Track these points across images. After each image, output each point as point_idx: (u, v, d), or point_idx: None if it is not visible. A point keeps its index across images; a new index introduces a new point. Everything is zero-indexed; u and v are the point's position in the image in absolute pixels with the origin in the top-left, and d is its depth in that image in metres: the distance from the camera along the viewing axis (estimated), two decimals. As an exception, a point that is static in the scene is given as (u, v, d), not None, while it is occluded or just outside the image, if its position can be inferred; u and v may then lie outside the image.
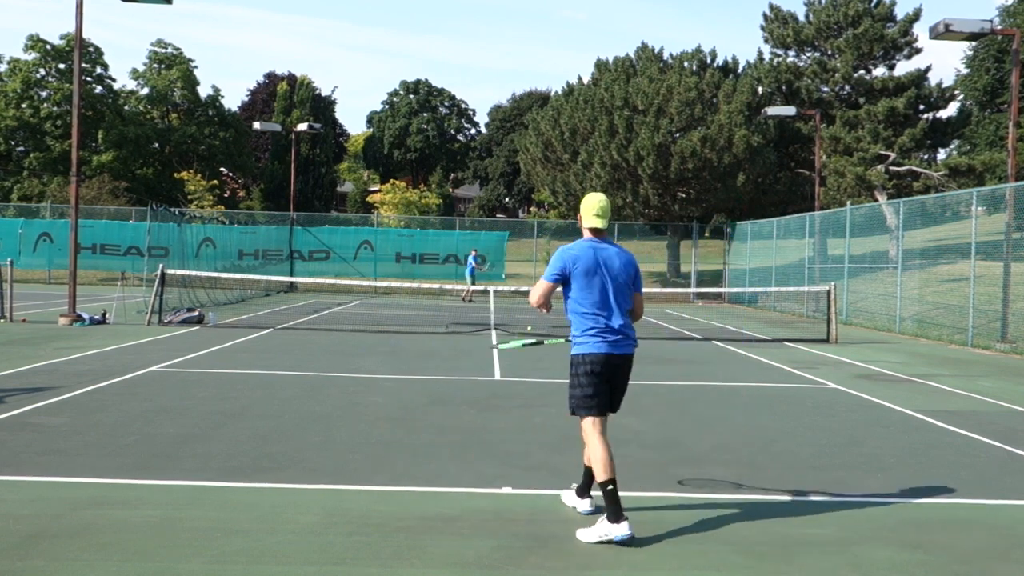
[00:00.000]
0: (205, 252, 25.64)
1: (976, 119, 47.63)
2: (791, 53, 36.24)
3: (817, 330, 18.12)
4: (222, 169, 60.95)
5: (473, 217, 65.72)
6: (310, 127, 35.35)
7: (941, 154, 40.96)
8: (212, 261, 25.30)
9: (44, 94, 52.52)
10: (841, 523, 5.00)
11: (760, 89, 35.04)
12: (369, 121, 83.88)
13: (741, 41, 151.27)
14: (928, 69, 33.83)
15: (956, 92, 38.08)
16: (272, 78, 71.62)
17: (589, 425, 4.75)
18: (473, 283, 29.05)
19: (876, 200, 29.28)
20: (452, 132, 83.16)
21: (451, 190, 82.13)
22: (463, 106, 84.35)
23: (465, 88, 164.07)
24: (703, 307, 29.76)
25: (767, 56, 37.21)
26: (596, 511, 4.98)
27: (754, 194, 34.69)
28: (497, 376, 10.68)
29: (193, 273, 20.28)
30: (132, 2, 16.18)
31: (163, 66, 57.68)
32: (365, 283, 29.02)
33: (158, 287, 16.78)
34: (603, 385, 4.75)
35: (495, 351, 11.69)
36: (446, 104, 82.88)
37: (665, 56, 37.37)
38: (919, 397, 9.87)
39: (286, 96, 63.10)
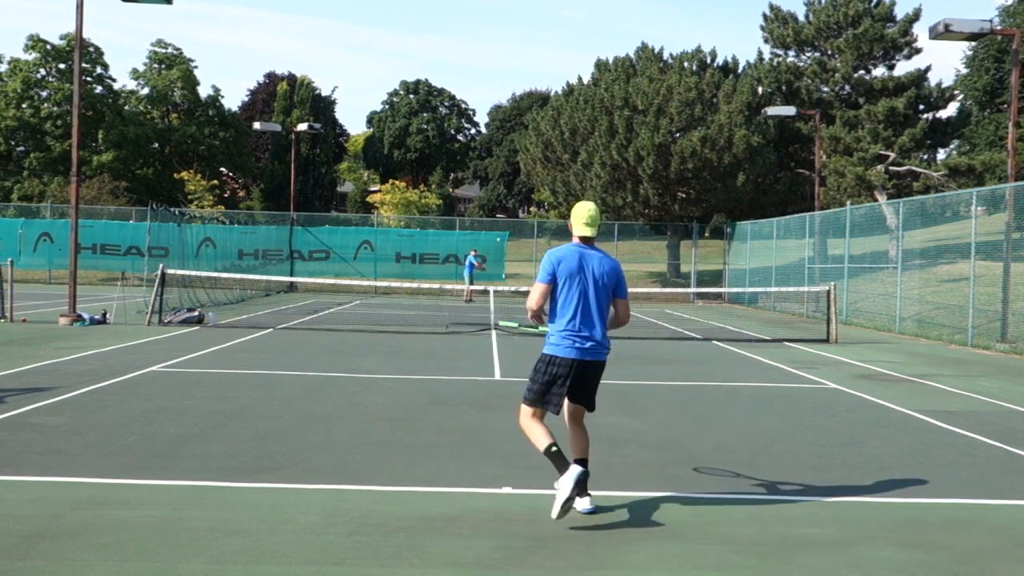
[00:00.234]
0: (205, 252, 25.63)
1: (976, 119, 47.64)
2: (791, 53, 36.25)
3: (817, 330, 18.12)
4: (222, 169, 60.95)
5: (473, 217, 65.72)
6: (310, 127, 35.36)
7: (941, 154, 40.99)
8: (212, 261, 25.30)
9: (44, 94, 52.53)
10: (841, 523, 5.00)
11: (760, 89, 35.05)
12: (369, 121, 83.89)
13: (741, 41, 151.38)
14: (928, 69, 33.84)
15: (956, 92, 38.08)
16: (272, 78, 71.62)
17: (528, 412, 5.01)
18: (471, 283, 29.04)
19: (876, 200, 29.28)
20: (452, 132, 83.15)
21: (451, 190, 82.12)
22: (463, 106, 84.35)
23: (465, 88, 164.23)
24: (703, 307, 29.76)
25: (767, 56, 37.25)
26: (596, 510, 5.01)
27: (754, 194, 34.69)
28: (497, 376, 10.68)
29: (193, 273, 20.28)
30: (132, 2, 16.15)
31: (163, 66, 57.69)
32: (365, 283, 29.02)
33: (158, 287, 16.78)
34: (560, 388, 4.93)
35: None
36: (446, 104, 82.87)
37: (665, 56, 37.38)
38: (919, 397, 9.87)
39: (286, 96, 63.10)
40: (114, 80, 56.23)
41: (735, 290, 27.84)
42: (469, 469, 5.99)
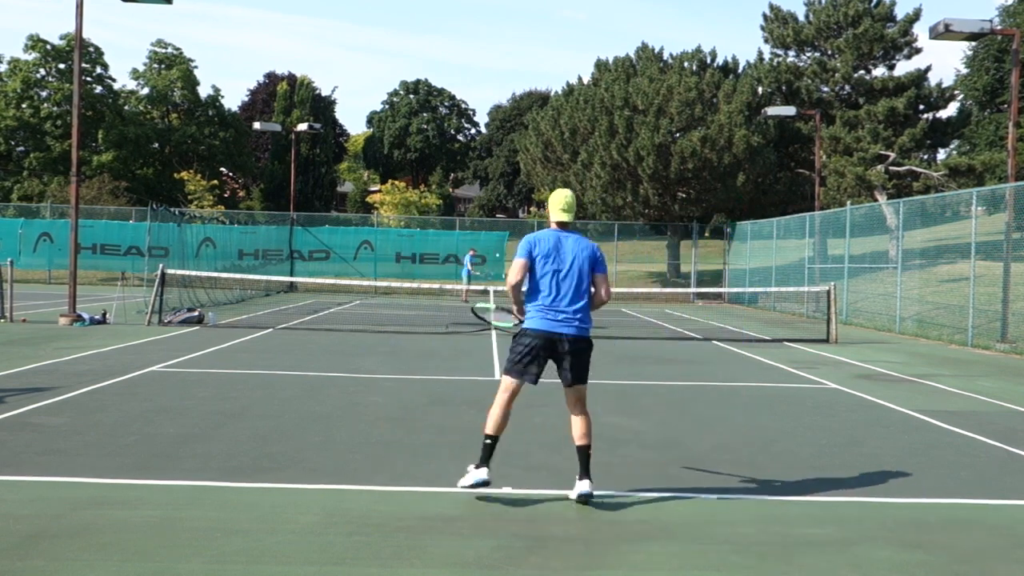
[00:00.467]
0: (205, 252, 25.63)
1: (976, 119, 47.63)
2: (791, 53, 36.25)
3: (817, 330, 18.12)
4: (222, 169, 60.95)
5: (473, 217, 65.71)
6: (310, 127, 35.36)
7: (941, 154, 40.99)
8: (212, 261, 25.30)
9: (44, 94, 52.53)
10: (841, 523, 5.00)
11: (760, 89, 35.05)
12: (369, 121, 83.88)
13: (741, 41, 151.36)
14: (928, 69, 33.84)
15: (956, 92, 38.09)
16: (272, 78, 71.61)
17: (504, 384, 5.27)
18: (469, 283, 29.03)
19: (876, 200, 29.28)
20: (452, 132, 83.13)
21: (451, 190, 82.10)
22: (463, 106, 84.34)
23: (465, 88, 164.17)
24: (703, 307, 29.76)
25: (767, 56, 37.25)
26: (590, 496, 5.16)
27: (754, 194, 34.69)
28: (497, 376, 10.67)
29: (193, 273, 20.28)
30: (132, 2, 16.18)
31: (163, 66, 57.69)
32: (365, 283, 29.02)
33: (158, 287, 16.78)
34: (536, 359, 5.20)
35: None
36: (446, 104, 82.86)
37: (665, 56, 37.38)
38: (919, 397, 9.87)
39: (286, 96, 63.10)
40: (114, 80, 56.33)
41: (735, 290, 27.85)
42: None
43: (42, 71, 52.77)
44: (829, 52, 34.80)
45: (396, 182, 53.82)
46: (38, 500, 4.99)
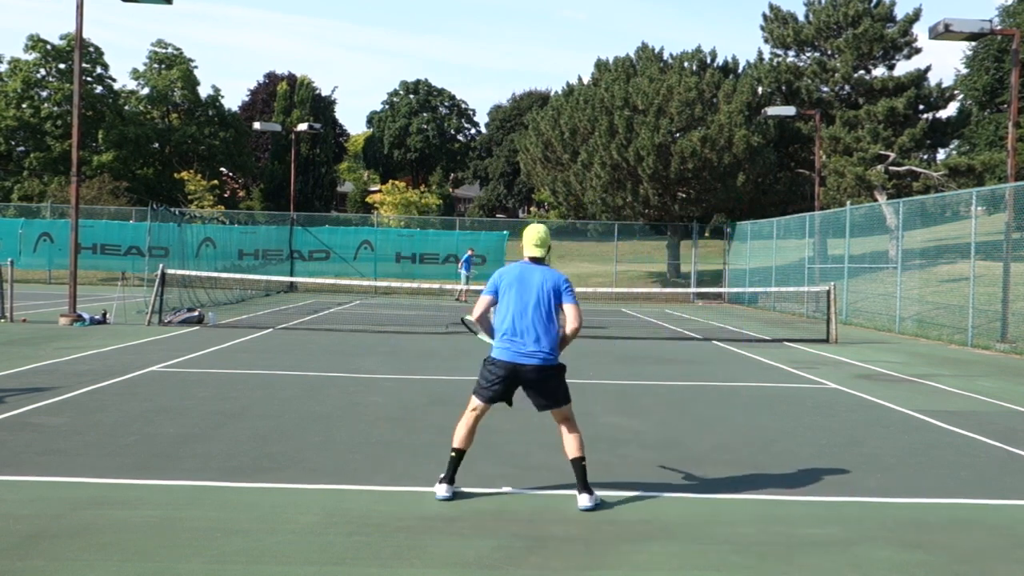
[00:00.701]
0: (205, 252, 25.63)
1: (976, 119, 47.62)
2: (791, 53, 36.24)
3: (817, 330, 18.12)
4: (222, 169, 60.93)
5: (473, 217, 65.71)
6: (310, 127, 35.35)
7: (941, 154, 40.98)
8: (212, 261, 25.29)
9: (44, 94, 52.52)
10: (841, 523, 5.00)
11: (760, 89, 35.04)
12: (369, 121, 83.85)
13: (741, 41, 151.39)
14: (928, 69, 33.83)
15: (956, 92, 38.07)
16: (272, 78, 71.60)
17: (472, 403, 5.39)
18: (468, 283, 29.01)
19: (876, 200, 29.28)
20: (452, 132, 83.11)
21: (451, 190, 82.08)
22: (463, 106, 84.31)
23: (465, 88, 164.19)
24: (703, 307, 29.76)
25: (767, 56, 37.24)
26: (597, 506, 5.11)
27: (754, 194, 34.69)
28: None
29: (193, 273, 20.28)
30: (132, 2, 16.16)
31: (163, 66, 57.68)
32: (365, 283, 29.01)
33: (158, 287, 16.78)
34: (499, 386, 5.30)
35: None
36: (446, 104, 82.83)
37: (665, 56, 37.37)
38: (919, 397, 9.87)
39: (286, 96, 63.08)
40: (114, 80, 56.29)
41: (735, 290, 27.84)
42: (469, 469, 5.97)
43: (42, 71, 52.76)
44: (829, 52, 34.80)
45: (396, 182, 53.82)
46: (38, 500, 5.00)
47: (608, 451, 6.64)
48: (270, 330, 16.19)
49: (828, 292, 16.93)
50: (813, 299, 24.25)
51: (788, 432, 7.71)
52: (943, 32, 15.99)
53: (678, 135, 33.86)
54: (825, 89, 34.95)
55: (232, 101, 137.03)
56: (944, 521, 5.12)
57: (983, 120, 51.44)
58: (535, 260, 5.43)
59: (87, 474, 5.59)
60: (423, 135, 79.40)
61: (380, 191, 55.08)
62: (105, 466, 5.81)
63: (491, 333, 5.45)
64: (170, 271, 17.96)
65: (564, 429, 5.33)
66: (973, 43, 50.32)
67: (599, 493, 5.32)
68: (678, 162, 32.87)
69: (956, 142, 44.06)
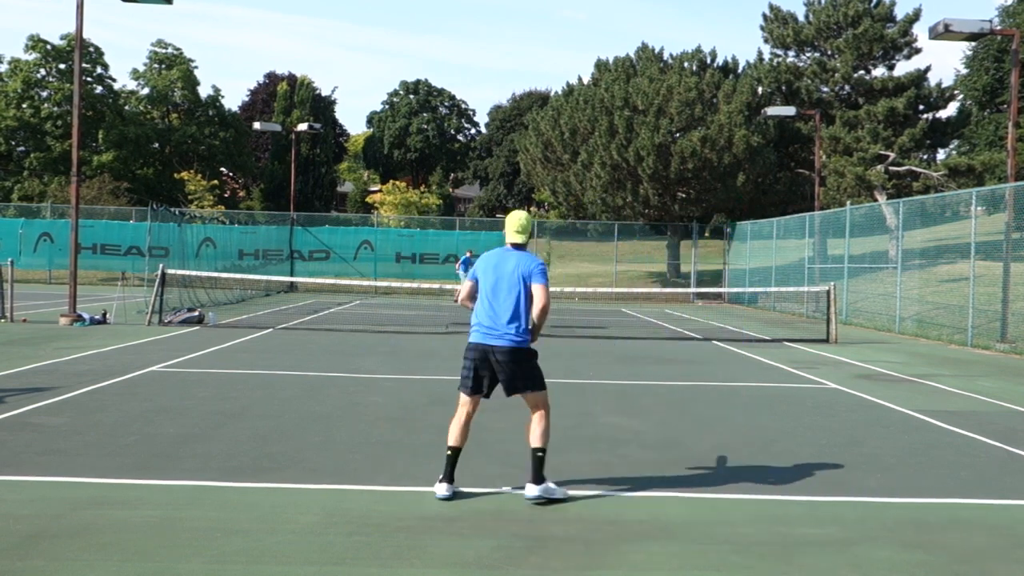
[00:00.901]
0: (205, 252, 25.64)
1: (976, 119, 47.61)
2: (791, 53, 36.24)
3: (817, 330, 18.12)
4: (222, 169, 60.93)
5: (473, 217, 65.72)
6: (310, 127, 35.35)
7: (941, 154, 40.97)
8: (212, 261, 25.30)
9: (44, 94, 52.52)
10: (841, 523, 5.00)
11: (760, 89, 35.04)
12: (369, 121, 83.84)
13: (741, 41, 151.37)
14: (928, 69, 33.83)
15: (956, 92, 38.07)
16: (272, 78, 71.59)
17: (460, 400, 5.49)
18: None
19: (876, 200, 29.28)
20: (452, 132, 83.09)
21: (451, 190, 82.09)
22: (463, 106, 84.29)
23: (465, 88, 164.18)
24: (703, 307, 29.76)
25: (767, 56, 37.25)
26: (542, 499, 5.18)
27: (754, 194, 34.69)
28: (497, 376, 10.67)
29: (193, 273, 20.28)
30: (132, 2, 16.16)
31: (163, 66, 57.68)
32: (365, 283, 29.02)
33: (158, 287, 16.78)
34: (474, 371, 5.41)
35: None
36: (446, 104, 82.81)
37: (665, 56, 37.37)
38: (919, 397, 9.87)
39: (286, 96, 63.08)
40: (114, 80, 56.27)
41: (735, 290, 27.84)
42: (468, 469, 5.98)
43: (42, 71, 52.75)
44: (829, 52, 34.80)
45: (396, 182, 53.82)
46: (38, 500, 4.99)
47: (608, 451, 6.65)
48: (270, 330, 16.19)
49: (828, 292, 16.93)
50: (813, 299, 24.25)
51: (788, 432, 7.71)
52: (943, 32, 15.99)
53: (678, 135, 33.86)
54: (825, 89, 34.95)
55: (232, 101, 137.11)
56: (944, 521, 5.12)
57: (983, 120, 51.43)
58: (516, 246, 5.53)
59: (87, 474, 5.59)
60: (423, 135, 79.38)
61: (380, 191, 55.09)
62: (105, 466, 5.81)
63: None
64: (170, 271, 17.96)
65: (535, 417, 5.40)
66: (973, 43, 50.30)
67: (599, 493, 5.32)
68: (678, 162, 32.87)
69: (956, 142, 44.05)
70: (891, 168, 31.12)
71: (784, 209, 33.69)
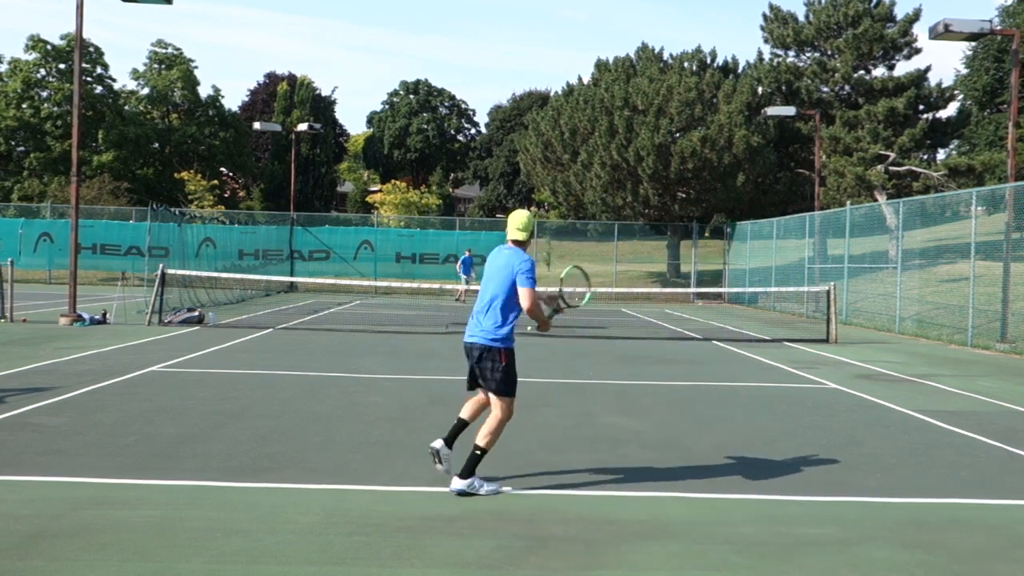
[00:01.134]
0: (205, 252, 25.63)
1: (975, 119, 47.61)
2: (791, 53, 36.24)
3: (817, 330, 18.12)
4: (222, 169, 60.92)
5: (473, 217, 65.72)
6: (310, 127, 35.34)
7: (941, 154, 40.98)
8: (212, 261, 25.29)
9: (44, 94, 52.51)
10: (841, 523, 5.00)
11: (760, 89, 35.03)
12: (369, 121, 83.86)
13: (741, 41, 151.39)
14: (928, 69, 33.83)
15: (956, 92, 38.06)
16: (272, 78, 71.59)
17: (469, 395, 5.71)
18: (467, 283, 29.01)
19: (876, 200, 29.27)
20: (452, 132, 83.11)
21: (451, 190, 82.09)
22: (463, 106, 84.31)
23: (465, 88, 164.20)
24: (703, 307, 29.76)
25: (767, 56, 37.24)
26: (464, 492, 5.36)
27: (754, 194, 34.69)
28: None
29: (193, 273, 20.28)
30: (132, 2, 16.15)
31: (163, 66, 57.67)
32: (365, 283, 29.01)
33: (158, 287, 16.78)
34: (469, 366, 5.64)
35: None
36: (446, 104, 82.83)
37: (665, 56, 37.37)
38: (919, 397, 9.87)
39: (286, 96, 63.09)
40: (114, 80, 56.26)
41: (735, 290, 27.83)
42: (469, 469, 5.99)
43: (42, 71, 52.74)
44: (829, 52, 34.79)
45: (396, 182, 53.82)
46: (38, 500, 4.99)
47: (608, 451, 6.65)
48: (270, 330, 16.19)
49: (828, 292, 16.93)
50: (813, 299, 24.25)
51: (788, 432, 7.71)
52: (943, 32, 15.99)
53: (678, 135, 33.85)
54: (825, 89, 34.94)
55: (232, 101, 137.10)
56: (944, 521, 5.12)
57: (983, 120, 51.44)
58: (515, 243, 5.61)
59: (87, 474, 5.59)
60: (423, 135, 79.40)
61: (380, 191, 55.09)
62: (105, 466, 5.81)
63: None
64: (170, 271, 17.96)
65: (490, 416, 5.47)
66: (973, 43, 50.30)
67: (599, 493, 5.32)
68: (678, 162, 32.87)
69: (956, 142, 44.05)
70: (891, 168, 31.12)
71: (784, 209, 33.68)
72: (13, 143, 52.62)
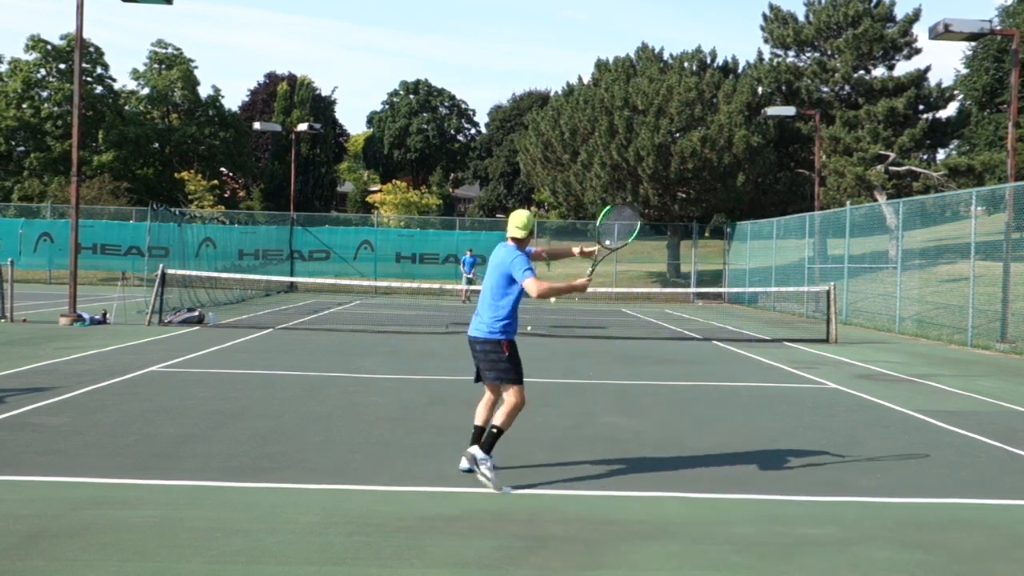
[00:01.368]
0: (205, 252, 25.62)
1: (975, 119, 47.62)
2: (791, 53, 36.24)
3: (817, 330, 18.12)
4: (222, 169, 60.94)
5: (473, 217, 65.72)
6: (310, 127, 35.34)
7: (941, 154, 40.97)
8: (212, 261, 25.29)
9: (45, 94, 52.52)
10: (841, 523, 5.00)
11: (760, 89, 35.03)
12: (369, 121, 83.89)
13: (741, 41, 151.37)
14: (928, 69, 33.83)
15: (955, 92, 38.08)
16: (272, 78, 71.61)
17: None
18: (470, 283, 29.03)
19: (876, 200, 29.27)
20: (452, 132, 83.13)
21: (451, 190, 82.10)
22: (463, 106, 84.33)
23: (465, 88, 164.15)
24: (703, 307, 29.76)
25: (767, 56, 37.23)
26: (471, 471, 5.73)
27: (754, 194, 34.68)
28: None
29: (193, 273, 20.28)
30: (132, 2, 16.18)
31: (163, 66, 57.69)
32: (365, 283, 29.02)
33: (158, 287, 16.78)
34: (475, 361, 5.77)
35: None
36: (446, 104, 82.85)
37: (665, 56, 37.37)
38: (919, 397, 9.87)
39: (286, 96, 63.10)
40: (114, 80, 56.27)
41: (735, 290, 27.84)
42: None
43: (42, 71, 52.75)
44: (829, 52, 34.79)
45: (397, 182, 53.82)
46: (38, 500, 4.99)
47: (608, 451, 6.65)
48: (270, 330, 16.19)
49: (828, 292, 16.93)
50: (813, 299, 24.25)
51: (788, 432, 7.71)
52: (943, 32, 15.99)
53: (678, 135, 33.85)
54: (825, 89, 34.94)
55: (232, 101, 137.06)
56: (944, 521, 5.12)
57: (983, 120, 51.44)
58: (514, 240, 5.76)
59: (87, 474, 5.59)
60: (423, 135, 79.42)
61: (380, 191, 55.09)
62: (105, 466, 5.81)
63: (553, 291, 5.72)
64: (170, 271, 17.96)
65: (504, 401, 5.60)
66: (973, 43, 50.30)
67: (599, 493, 5.31)
68: (678, 162, 32.87)
69: (956, 142, 44.05)
70: (891, 168, 31.12)
71: (784, 209, 33.68)
72: (13, 143, 52.63)
